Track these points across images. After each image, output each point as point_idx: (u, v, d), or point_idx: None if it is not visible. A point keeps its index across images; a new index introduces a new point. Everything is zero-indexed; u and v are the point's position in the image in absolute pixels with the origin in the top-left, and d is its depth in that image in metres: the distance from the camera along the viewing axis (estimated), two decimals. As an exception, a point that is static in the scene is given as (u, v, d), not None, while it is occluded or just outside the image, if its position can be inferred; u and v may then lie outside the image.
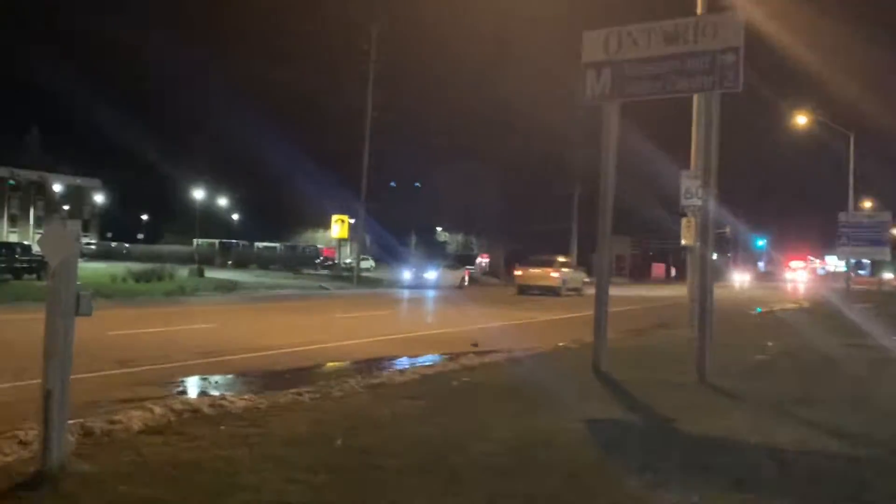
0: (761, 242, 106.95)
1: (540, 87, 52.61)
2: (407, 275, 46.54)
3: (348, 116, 52.01)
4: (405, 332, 20.05)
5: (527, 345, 16.80)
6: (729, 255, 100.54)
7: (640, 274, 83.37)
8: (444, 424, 8.21)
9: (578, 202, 70.42)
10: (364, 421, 8.33)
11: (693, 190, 17.46)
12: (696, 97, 17.48)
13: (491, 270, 68.91)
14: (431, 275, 46.08)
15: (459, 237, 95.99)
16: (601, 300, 12.95)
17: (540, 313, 28.27)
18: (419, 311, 29.75)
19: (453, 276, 47.61)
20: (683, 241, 19.06)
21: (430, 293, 40.64)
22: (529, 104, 56.28)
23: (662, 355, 14.73)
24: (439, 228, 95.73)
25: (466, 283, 48.56)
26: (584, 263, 71.82)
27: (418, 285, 44.26)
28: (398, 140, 57.31)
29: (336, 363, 14.76)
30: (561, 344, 16.88)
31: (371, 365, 13.95)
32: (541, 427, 8.15)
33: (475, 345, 16.87)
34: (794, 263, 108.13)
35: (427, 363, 14.03)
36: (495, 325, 23.17)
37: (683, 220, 18.93)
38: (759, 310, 32.58)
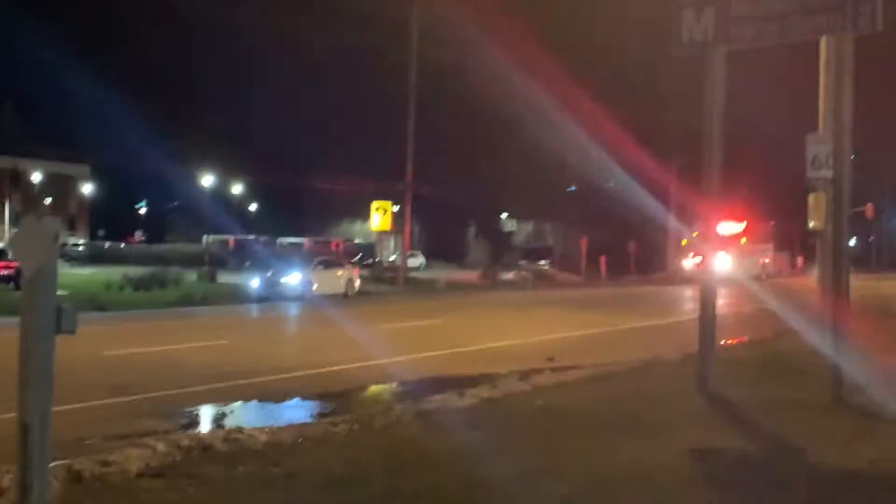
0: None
1: (631, 30, 52.13)
2: (255, 282, 38.33)
3: (391, 80, 52.14)
4: (461, 346, 20.03)
5: (614, 357, 16.70)
6: (871, 239, 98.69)
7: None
8: (512, 461, 8.19)
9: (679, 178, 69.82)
10: (412, 458, 8.34)
11: (822, 158, 17.08)
12: (823, 41, 17.16)
13: (567, 264, 68.43)
14: (294, 278, 38.34)
15: (529, 225, 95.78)
16: (708, 299, 12.79)
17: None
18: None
19: (332, 279, 40.37)
20: (811, 224, 18.65)
21: (288, 309, 33.03)
22: (616, 54, 55.87)
23: (787, 368, 14.53)
24: (504, 215, 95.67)
25: (357, 289, 41.40)
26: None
27: (273, 296, 36.67)
28: (451, 107, 57.30)
29: (379, 385, 14.83)
30: (657, 356, 16.75)
31: (422, 387, 13.96)
32: (634, 461, 8.09)
33: (551, 359, 16.84)
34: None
35: (491, 383, 14.00)
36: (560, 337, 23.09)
37: (811, 197, 18.49)
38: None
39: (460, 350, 19.31)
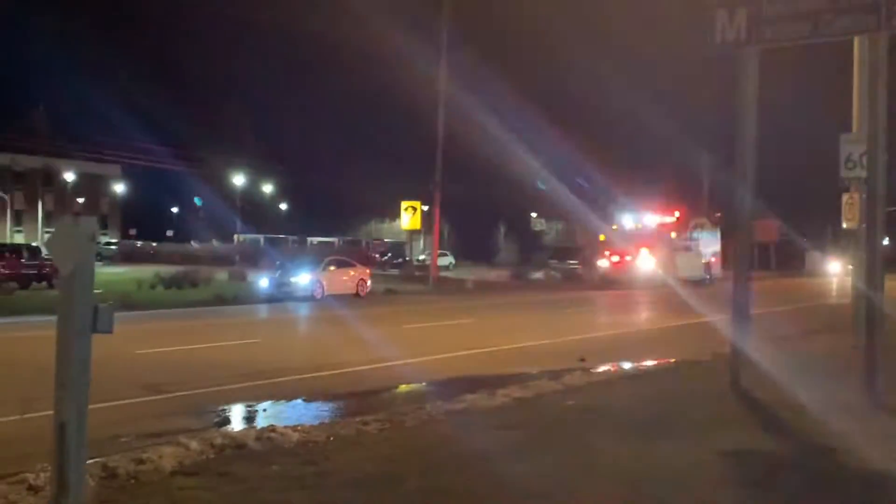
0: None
1: (659, 29, 52.09)
2: (265, 282, 38.49)
3: (419, 82, 52.25)
4: (490, 346, 20.02)
5: (645, 357, 16.65)
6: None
7: (791, 265, 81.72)
8: (544, 460, 8.18)
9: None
10: (444, 457, 8.35)
11: (856, 158, 16.98)
12: (856, 40, 17.05)
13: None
14: (303, 279, 37.94)
15: (559, 225, 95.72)
16: (740, 299, 12.73)
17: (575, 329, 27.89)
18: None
19: (343, 280, 39.93)
20: (844, 224, 18.60)
21: (311, 310, 32.38)
22: (647, 53, 55.93)
23: (819, 368, 14.44)
24: (534, 215, 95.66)
25: (369, 289, 40.90)
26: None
27: (283, 297, 36.38)
28: (479, 106, 57.38)
29: (409, 385, 14.85)
30: (688, 356, 16.68)
31: (452, 386, 13.96)
32: (667, 462, 8.06)
33: (582, 359, 16.80)
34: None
35: (522, 383, 13.99)
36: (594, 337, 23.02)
37: (844, 197, 18.46)
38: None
39: (490, 350, 19.30)
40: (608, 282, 50.84)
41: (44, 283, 39.43)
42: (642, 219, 54.35)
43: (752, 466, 8.14)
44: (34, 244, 53.64)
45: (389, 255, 79.83)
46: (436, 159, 51.12)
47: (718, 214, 59.18)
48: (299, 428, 9.69)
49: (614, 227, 55.37)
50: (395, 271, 64.18)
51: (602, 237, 55.97)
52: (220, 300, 33.68)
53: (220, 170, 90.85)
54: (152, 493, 7.10)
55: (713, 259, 57.50)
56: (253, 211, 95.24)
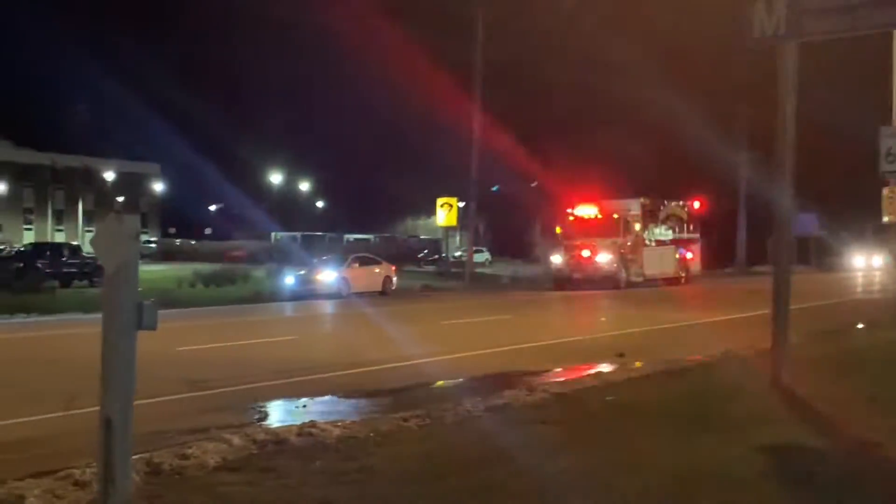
0: None
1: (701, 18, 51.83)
2: (290, 279, 38.37)
3: (455, 77, 52.28)
4: (528, 342, 20.00)
5: (684, 353, 16.55)
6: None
7: (830, 261, 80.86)
8: (584, 455, 8.15)
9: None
10: (485, 453, 8.33)
11: (896, 151, 16.84)
12: (895, 33, 16.91)
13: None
14: (328, 276, 38.14)
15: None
16: (780, 295, 12.63)
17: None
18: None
19: (369, 277, 39.96)
20: (885, 217, 18.48)
21: (329, 307, 32.96)
22: (687, 41, 55.60)
23: (861, 363, 14.29)
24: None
25: (395, 286, 40.98)
26: (755, 249, 69.53)
27: (308, 294, 36.77)
28: (518, 99, 57.35)
29: (446, 381, 14.85)
30: (728, 351, 16.56)
31: (491, 382, 13.96)
32: (709, 458, 8.01)
33: (621, 355, 16.73)
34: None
35: (561, 379, 13.98)
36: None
37: (885, 191, 18.32)
38: None
39: (527, 346, 19.28)
40: (562, 280, 44.33)
41: (85, 282, 39.85)
42: (603, 207, 46.50)
43: (795, 463, 8.08)
44: (75, 243, 54.16)
45: (426, 251, 79.89)
46: (472, 154, 51.07)
47: (698, 204, 52.37)
48: (340, 424, 9.71)
49: (571, 217, 47.62)
50: (430, 268, 64.23)
51: (558, 230, 48.49)
52: (256, 298, 33.89)
53: (257, 168, 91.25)
54: (196, 489, 7.15)
55: (689, 255, 50.09)
56: (289, 209, 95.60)
